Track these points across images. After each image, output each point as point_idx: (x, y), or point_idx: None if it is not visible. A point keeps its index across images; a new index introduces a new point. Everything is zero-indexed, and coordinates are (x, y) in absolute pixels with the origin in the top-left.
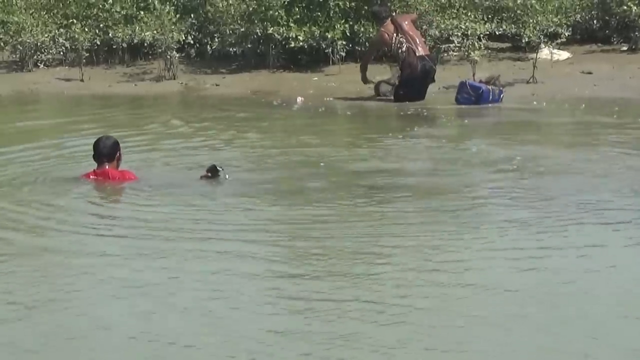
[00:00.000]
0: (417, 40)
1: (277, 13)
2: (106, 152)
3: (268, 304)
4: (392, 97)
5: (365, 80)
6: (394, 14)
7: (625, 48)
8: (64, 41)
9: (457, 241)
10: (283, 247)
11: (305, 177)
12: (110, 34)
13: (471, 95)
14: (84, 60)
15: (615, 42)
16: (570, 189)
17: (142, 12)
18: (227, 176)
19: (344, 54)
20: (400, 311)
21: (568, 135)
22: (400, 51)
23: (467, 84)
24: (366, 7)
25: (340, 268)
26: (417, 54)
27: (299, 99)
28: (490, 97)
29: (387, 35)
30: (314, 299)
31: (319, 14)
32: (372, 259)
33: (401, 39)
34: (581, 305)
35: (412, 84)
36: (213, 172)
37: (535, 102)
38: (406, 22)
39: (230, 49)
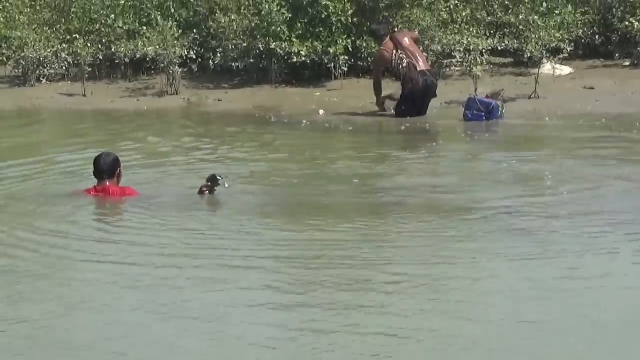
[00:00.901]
0: (418, 55)
1: (279, 28)
2: (106, 169)
3: (269, 337)
4: (394, 112)
5: (380, 105)
6: (395, 30)
7: (627, 63)
8: (67, 56)
9: (487, 270)
10: (287, 274)
11: (311, 195)
12: (112, 49)
13: (481, 111)
14: (87, 76)
15: (617, 58)
16: (614, 205)
17: (144, 28)
18: (227, 185)
19: (346, 69)
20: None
21: (587, 149)
22: (401, 67)
23: (476, 100)
24: (368, 23)
25: (345, 297)
26: (418, 69)
27: (321, 112)
28: (499, 113)
29: (386, 53)
30: (318, 331)
31: (321, 29)
32: (383, 288)
33: (401, 55)
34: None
35: (414, 99)
36: (213, 182)
37: (547, 119)
38: (406, 39)
39: (233, 64)
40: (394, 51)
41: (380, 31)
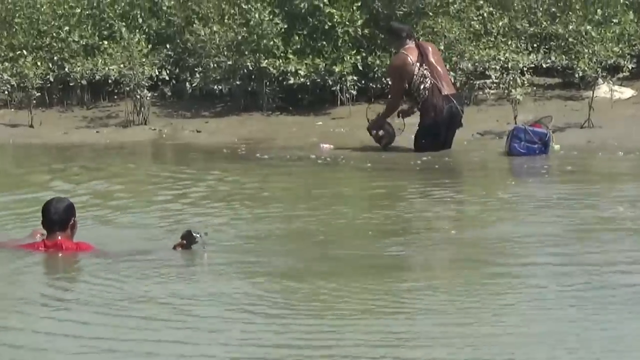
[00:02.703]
0: (443, 74)
1: (272, 42)
2: (57, 219)
3: None
4: (380, 144)
5: (379, 126)
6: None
7: None
8: (9, 77)
9: None
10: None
11: (306, 253)
12: (66, 69)
13: (535, 143)
14: (34, 101)
15: None
16: None
17: (105, 42)
18: (205, 246)
19: (355, 93)
20: None
21: None
22: (422, 87)
23: (527, 130)
24: (382, 35)
25: None
26: (443, 93)
27: (325, 147)
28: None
29: (409, 60)
30: None
31: (324, 43)
32: None
33: (425, 72)
34: None
35: (437, 131)
36: (188, 239)
37: (621, 153)
38: (432, 51)
39: (215, 87)
40: (418, 63)
41: (404, 31)
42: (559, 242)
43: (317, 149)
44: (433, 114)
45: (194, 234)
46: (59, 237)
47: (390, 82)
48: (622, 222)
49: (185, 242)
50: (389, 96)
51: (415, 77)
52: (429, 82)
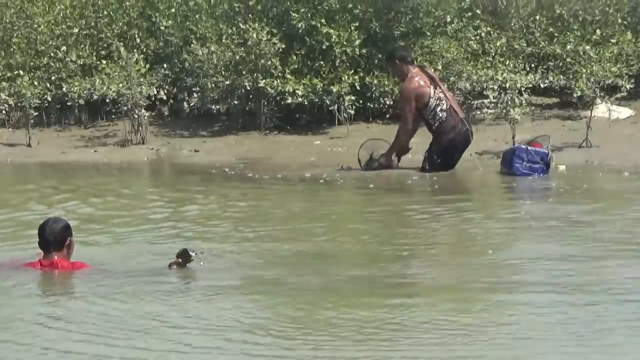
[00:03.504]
0: (452, 97)
1: (270, 62)
2: (52, 240)
3: None
4: (364, 168)
5: (388, 160)
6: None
7: None
8: (7, 97)
9: None
10: None
11: (308, 274)
12: (64, 89)
13: (537, 163)
14: (32, 121)
15: None
16: None
17: (103, 62)
18: (201, 263)
19: (352, 112)
20: None
21: None
22: (439, 109)
23: (529, 150)
24: (380, 55)
25: None
26: (459, 115)
27: (344, 167)
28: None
29: (423, 83)
30: None
31: (322, 63)
32: None
33: (440, 94)
34: None
35: (453, 152)
36: (184, 258)
37: (627, 173)
38: (435, 74)
39: (213, 107)
40: (432, 87)
41: (409, 56)
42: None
43: (313, 168)
44: (452, 135)
45: (190, 252)
46: (55, 257)
47: (401, 108)
48: None
49: (181, 260)
50: (400, 126)
51: (431, 99)
52: (445, 104)
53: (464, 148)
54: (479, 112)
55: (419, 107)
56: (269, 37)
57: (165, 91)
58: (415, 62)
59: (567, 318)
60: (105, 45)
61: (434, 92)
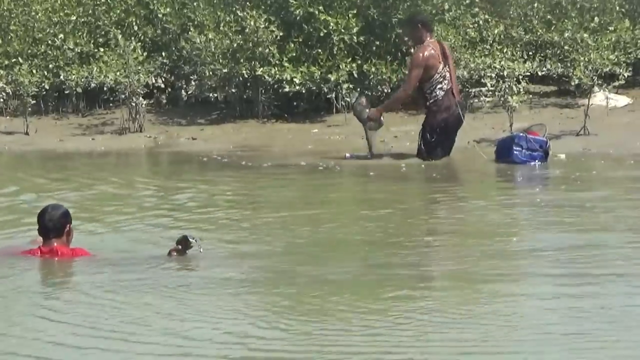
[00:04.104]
0: (454, 79)
1: (267, 50)
2: (52, 226)
3: None
4: (368, 155)
5: (375, 122)
6: None
7: None
8: (5, 85)
9: None
10: None
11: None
12: (61, 77)
13: (536, 151)
14: (30, 109)
15: None
16: None
17: (101, 50)
18: (201, 250)
19: (350, 100)
20: None
21: None
22: (439, 87)
23: (529, 138)
24: (377, 42)
25: None
26: (456, 98)
27: (348, 155)
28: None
29: (435, 54)
30: None
31: (320, 51)
32: None
33: (446, 73)
34: None
35: (446, 131)
36: (184, 245)
37: (632, 161)
38: (449, 53)
39: (210, 95)
40: (442, 62)
41: (430, 24)
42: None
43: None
44: (446, 115)
45: (190, 239)
46: (55, 244)
47: (409, 71)
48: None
49: (180, 247)
50: (401, 87)
51: (436, 75)
52: (447, 85)
53: (456, 130)
54: (476, 100)
55: (423, 77)
56: (266, 24)
57: (163, 79)
58: (431, 31)
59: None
60: (102, 33)
61: (442, 68)
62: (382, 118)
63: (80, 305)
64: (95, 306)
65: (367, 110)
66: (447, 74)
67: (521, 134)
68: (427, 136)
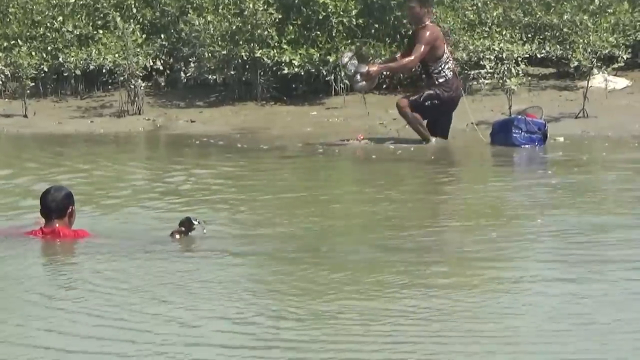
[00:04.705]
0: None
1: (266, 32)
2: (54, 207)
3: None
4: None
5: (368, 80)
6: None
7: None
8: (3, 67)
9: None
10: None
11: (309, 248)
12: (60, 59)
13: (534, 133)
14: (28, 91)
15: None
16: None
17: (99, 32)
18: (204, 230)
19: (349, 83)
20: None
21: None
22: (447, 67)
23: (528, 120)
24: (376, 25)
25: None
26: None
27: (359, 138)
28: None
29: (441, 36)
30: None
31: (319, 33)
32: None
33: (449, 55)
34: None
35: (442, 110)
36: (187, 226)
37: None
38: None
39: (209, 77)
40: (446, 45)
41: (432, 5)
42: None
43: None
44: (454, 94)
45: (193, 221)
46: (57, 225)
47: (417, 47)
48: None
49: (183, 229)
50: (409, 59)
51: (445, 55)
52: (452, 64)
53: (453, 110)
54: (475, 83)
55: (430, 57)
56: (265, 7)
57: (162, 61)
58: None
59: None
60: (101, 15)
61: (446, 49)
62: (376, 78)
63: (81, 291)
64: (96, 293)
65: (360, 66)
66: (451, 55)
67: (520, 117)
68: (431, 100)
